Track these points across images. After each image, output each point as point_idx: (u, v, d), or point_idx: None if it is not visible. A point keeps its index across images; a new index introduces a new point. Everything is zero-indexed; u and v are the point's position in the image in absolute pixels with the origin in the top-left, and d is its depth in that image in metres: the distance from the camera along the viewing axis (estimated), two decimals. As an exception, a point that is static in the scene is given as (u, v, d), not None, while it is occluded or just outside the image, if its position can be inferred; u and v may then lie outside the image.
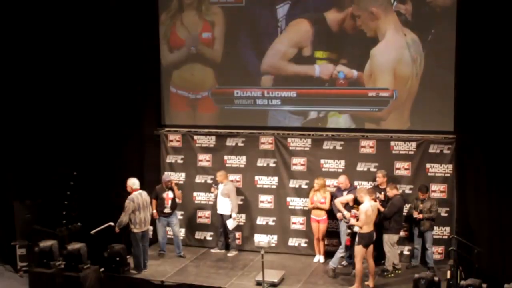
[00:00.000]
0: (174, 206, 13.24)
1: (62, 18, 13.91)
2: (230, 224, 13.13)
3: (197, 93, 13.91)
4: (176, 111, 14.15)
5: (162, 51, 14.04)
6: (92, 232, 12.51)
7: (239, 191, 13.55)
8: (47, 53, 14.07)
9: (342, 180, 12.46)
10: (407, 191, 12.51)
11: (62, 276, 12.12)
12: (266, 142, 13.48)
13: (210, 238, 13.96)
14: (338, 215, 12.33)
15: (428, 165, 12.53)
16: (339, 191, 12.50)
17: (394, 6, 12.38)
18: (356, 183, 12.78)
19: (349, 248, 11.86)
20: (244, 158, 13.65)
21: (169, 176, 13.55)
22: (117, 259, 12.12)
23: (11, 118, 14.57)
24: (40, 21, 13.92)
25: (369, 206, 11.19)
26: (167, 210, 13.18)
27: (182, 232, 14.05)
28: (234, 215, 13.12)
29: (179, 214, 13.86)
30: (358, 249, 11.33)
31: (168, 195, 13.15)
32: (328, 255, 12.90)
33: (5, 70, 14.34)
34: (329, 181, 12.96)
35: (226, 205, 13.12)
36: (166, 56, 14.07)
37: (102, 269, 12.27)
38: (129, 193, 12.33)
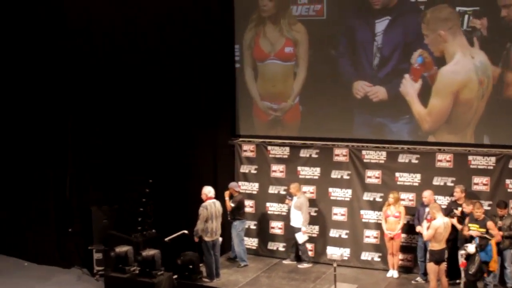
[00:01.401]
0: (233, 215, 13.55)
1: (144, 26, 14.63)
2: (300, 237, 13.32)
3: (278, 103, 14.15)
4: (259, 120, 14.42)
5: (245, 62, 14.36)
6: (167, 239, 12.94)
7: (312, 203, 13.71)
8: (128, 62, 14.77)
9: (427, 195, 12.31)
10: (486, 207, 12.30)
11: (137, 281, 12.62)
12: (340, 154, 13.58)
13: (283, 249, 14.17)
14: (417, 228, 12.28)
15: (508, 181, 12.33)
16: (422, 206, 12.41)
17: (468, 22, 12.29)
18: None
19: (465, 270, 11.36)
20: (318, 169, 13.80)
21: (235, 185, 13.84)
22: (190, 266, 12.47)
23: (92, 126, 15.29)
24: (122, 28, 14.73)
25: (441, 223, 11.15)
26: (229, 217, 13.51)
27: (254, 242, 14.32)
28: (304, 228, 13.29)
29: (246, 224, 14.15)
30: (430, 266, 11.33)
31: (230, 203, 13.47)
32: (402, 270, 12.90)
33: (85, 79, 15.06)
34: (403, 195, 12.96)
35: (298, 218, 13.30)
36: (248, 67, 14.37)
37: (175, 276, 12.69)
38: (203, 201, 12.66)
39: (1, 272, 15.48)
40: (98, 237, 14.91)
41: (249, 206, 14.37)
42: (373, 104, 13.22)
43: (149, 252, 12.77)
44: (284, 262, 13.87)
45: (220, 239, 12.93)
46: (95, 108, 15.40)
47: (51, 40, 15.22)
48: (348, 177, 13.55)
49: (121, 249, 13.18)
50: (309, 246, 13.74)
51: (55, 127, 15.67)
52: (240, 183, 14.34)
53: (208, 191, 12.72)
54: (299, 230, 13.29)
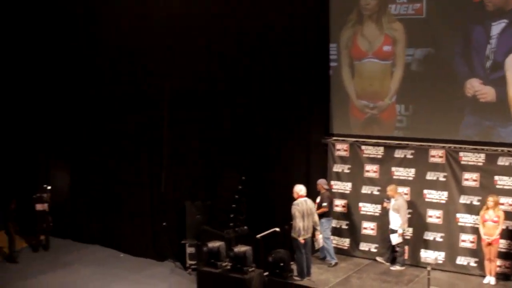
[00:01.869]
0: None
1: (241, 26, 14.94)
2: (394, 239, 13.15)
3: (375, 102, 14.04)
4: (355, 118, 14.34)
5: (343, 61, 14.29)
6: (258, 236, 13.06)
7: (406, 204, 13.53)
8: (225, 60, 15.18)
9: None
10: None
11: (228, 277, 12.81)
12: (437, 155, 13.31)
13: (375, 250, 14.02)
14: None
15: None
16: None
17: None
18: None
19: None
20: (412, 170, 13.58)
21: (324, 181, 13.81)
22: (281, 264, 12.52)
23: (188, 122, 15.64)
24: (220, 27, 15.06)
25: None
26: None
27: (346, 242, 14.28)
28: (400, 230, 13.11)
29: (335, 223, 14.16)
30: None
31: (317, 200, 13.46)
32: (500, 277, 12.52)
33: (183, 78, 15.42)
34: (503, 199, 12.56)
35: (396, 220, 13.11)
36: (345, 66, 14.30)
37: (266, 273, 12.78)
38: (294, 199, 12.70)
39: (98, 262, 16.13)
40: (191, 232, 15.28)
41: (341, 205, 14.33)
42: (481, 105, 12.83)
43: (241, 249, 12.92)
44: (378, 258, 13.72)
45: (320, 236, 12.90)
46: (188, 104, 15.77)
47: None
48: (444, 179, 13.25)
49: (214, 244, 13.40)
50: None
51: (151, 122, 16.17)
52: (332, 182, 14.33)
53: (299, 189, 12.75)
54: (395, 232, 13.12)
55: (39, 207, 16.65)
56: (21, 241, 16.94)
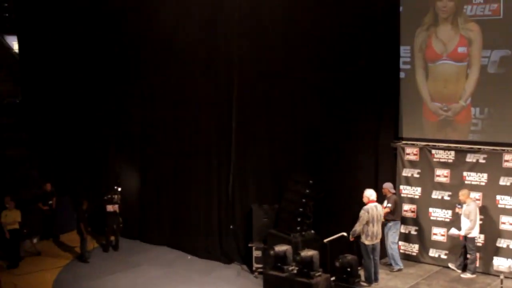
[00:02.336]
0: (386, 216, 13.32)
1: (311, 29, 14.90)
2: (453, 231, 12.85)
3: (449, 104, 13.77)
4: (428, 121, 14.09)
5: (417, 64, 14.08)
6: (325, 240, 13.01)
7: (478, 210, 13.18)
8: (291, 63, 15.20)
9: None
10: None
11: (294, 281, 12.82)
12: (510, 159, 12.93)
13: (445, 257, 13.73)
14: None
15: None
16: None
17: None
18: None
19: None
20: (485, 175, 13.22)
21: (390, 185, 13.62)
22: (348, 269, 12.45)
23: (255, 127, 15.76)
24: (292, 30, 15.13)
25: None
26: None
27: (415, 248, 14.06)
28: (462, 233, 12.78)
29: (403, 228, 13.97)
30: None
31: (384, 204, 13.29)
32: None
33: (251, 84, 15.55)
34: None
35: (466, 226, 12.84)
36: (419, 68, 14.08)
37: (333, 278, 12.73)
38: (364, 204, 12.60)
39: (166, 263, 16.41)
40: (258, 235, 15.35)
41: (410, 210, 14.11)
42: None
43: (308, 253, 12.91)
44: (450, 265, 13.43)
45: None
46: (256, 108, 15.86)
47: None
48: (518, 185, 12.90)
49: (280, 248, 13.43)
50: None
51: (220, 126, 16.35)
52: (401, 187, 14.13)
53: (369, 194, 12.66)
54: (469, 239, 12.81)
55: (109, 208, 17.04)
56: (92, 241, 17.35)
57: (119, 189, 17.44)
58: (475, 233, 12.83)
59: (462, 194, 12.92)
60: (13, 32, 23.50)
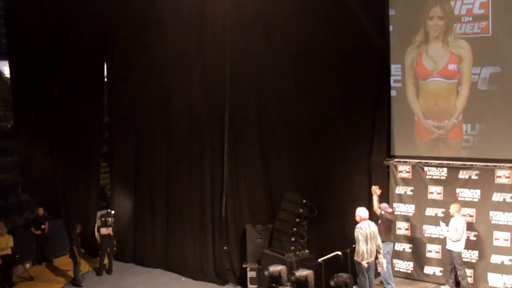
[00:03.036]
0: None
1: (302, 46, 14.96)
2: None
3: (441, 121, 13.87)
4: (421, 139, 14.18)
5: (407, 81, 14.21)
6: (320, 260, 12.99)
7: (471, 226, 13.22)
8: (285, 81, 15.26)
9: None
10: None
11: (290, 301, 12.78)
12: (503, 175, 13.01)
13: (440, 274, 13.74)
14: None
15: None
16: None
17: None
18: None
19: None
20: (478, 191, 13.30)
21: (385, 206, 13.56)
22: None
23: (248, 146, 15.78)
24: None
25: None
26: None
27: (409, 266, 14.03)
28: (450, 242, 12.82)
29: (398, 246, 13.98)
30: None
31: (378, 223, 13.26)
32: None
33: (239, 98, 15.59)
34: None
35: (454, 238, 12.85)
36: (410, 85, 14.21)
37: (328, 298, 12.68)
38: (357, 223, 12.59)
39: (161, 286, 16.31)
40: (252, 256, 15.30)
41: (404, 228, 14.13)
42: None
43: (303, 272, 12.92)
44: (442, 287, 13.45)
45: (384, 260, 12.71)
46: (249, 128, 15.93)
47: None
48: (511, 200, 12.92)
49: (275, 268, 13.40)
50: (468, 272, 13.20)
51: (213, 147, 16.38)
52: (394, 204, 14.17)
53: (362, 212, 12.66)
54: (457, 254, 12.80)
55: (103, 231, 16.98)
56: (86, 265, 17.23)
57: (113, 212, 17.39)
58: (460, 247, 12.85)
59: (454, 207, 12.95)
60: (4, 58, 23.58)
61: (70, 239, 16.83)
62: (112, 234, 17.07)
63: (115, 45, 18.11)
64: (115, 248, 17.27)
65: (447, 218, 13.26)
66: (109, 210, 17.54)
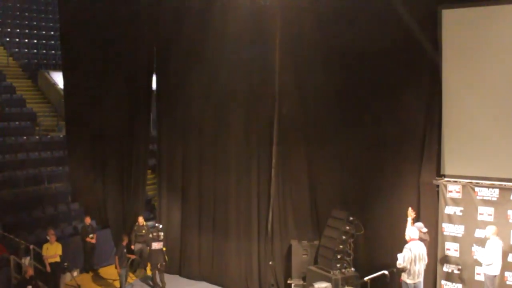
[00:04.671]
0: None
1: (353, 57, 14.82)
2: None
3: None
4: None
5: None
6: (366, 278, 12.83)
7: (521, 251, 12.89)
8: (334, 96, 15.11)
9: None
10: None
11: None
12: (556, 197, 12.67)
13: (491, 297, 13.41)
14: None
15: None
16: None
17: None
18: None
19: None
20: (530, 213, 12.97)
21: (420, 225, 13.36)
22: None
23: (298, 161, 15.71)
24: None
25: None
26: None
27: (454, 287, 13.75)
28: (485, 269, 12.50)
29: (446, 267, 13.77)
30: None
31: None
32: None
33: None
34: None
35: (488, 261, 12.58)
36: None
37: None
38: (406, 242, 12.43)
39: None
40: (297, 272, 15.22)
41: (453, 250, 13.83)
42: None
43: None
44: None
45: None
46: (297, 145, 15.91)
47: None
48: None
49: (320, 285, 13.30)
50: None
51: (259, 162, 16.37)
52: (444, 224, 13.88)
53: (412, 232, 12.50)
54: (487, 277, 12.49)
55: (155, 245, 16.70)
56: (131, 276, 17.33)
57: (161, 226, 17.33)
58: (493, 271, 12.51)
59: (490, 229, 12.66)
60: (59, 69, 24.11)
61: (117, 250, 16.94)
62: (164, 249, 16.88)
63: (166, 58, 18.28)
64: (165, 263, 16.97)
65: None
66: (156, 224, 17.52)
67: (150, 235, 17.07)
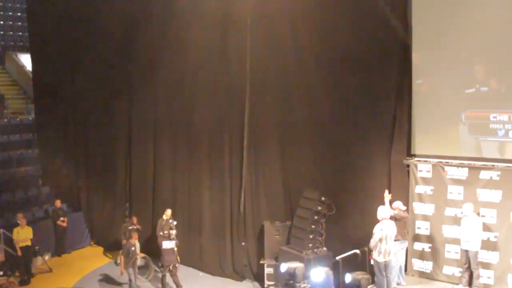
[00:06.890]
0: None
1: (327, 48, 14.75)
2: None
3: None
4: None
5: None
6: (338, 258, 12.96)
7: (492, 227, 13.06)
8: (305, 77, 15.00)
9: None
10: None
11: (306, 298, 12.75)
12: (525, 176, 12.87)
13: (459, 274, 13.58)
14: None
15: None
16: None
17: None
18: None
19: None
20: (499, 192, 13.14)
21: (399, 204, 13.51)
22: (358, 286, 12.37)
23: (268, 144, 15.71)
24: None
25: None
26: None
27: (428, 266, 13.95)
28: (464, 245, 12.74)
29: (417, 245, 13.95)
30: None
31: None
32: None
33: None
34: None
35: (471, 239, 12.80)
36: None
37: (345, 294, 12.66)
38: (378, 221, 12.53)
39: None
40: (270, 252, 15.29)
41: (424, 228, 14.00)
42: None
43: (320, 270, 12.83)
44: (456, 287, 13.32)
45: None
46: (268, 123, 15.93)
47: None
48: (532, 201, 12.79)
49: (292, 265, 13.36)
50: (488, 273, 13.05)
51: (232, 143, 16.38)
52: (414, 204, 14.04)
53: (383, 212, 12.63)
54: (472, 254, 12.71)
55: (166, 245, 15.19)
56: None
57: (175, 222, 15.66)
58: (476, 247, 12.74)
59: (467, 207, 12.85)
60: (27, 51, 23.78)
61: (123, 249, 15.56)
62: (176, 249, 15.33)
63: (138, 47, 18.15)
64: (177, 265, 15.51)
65: (466, 219, 13.17)
66: (170, 220, 15.77)
67: (161, 233, 15.84)
